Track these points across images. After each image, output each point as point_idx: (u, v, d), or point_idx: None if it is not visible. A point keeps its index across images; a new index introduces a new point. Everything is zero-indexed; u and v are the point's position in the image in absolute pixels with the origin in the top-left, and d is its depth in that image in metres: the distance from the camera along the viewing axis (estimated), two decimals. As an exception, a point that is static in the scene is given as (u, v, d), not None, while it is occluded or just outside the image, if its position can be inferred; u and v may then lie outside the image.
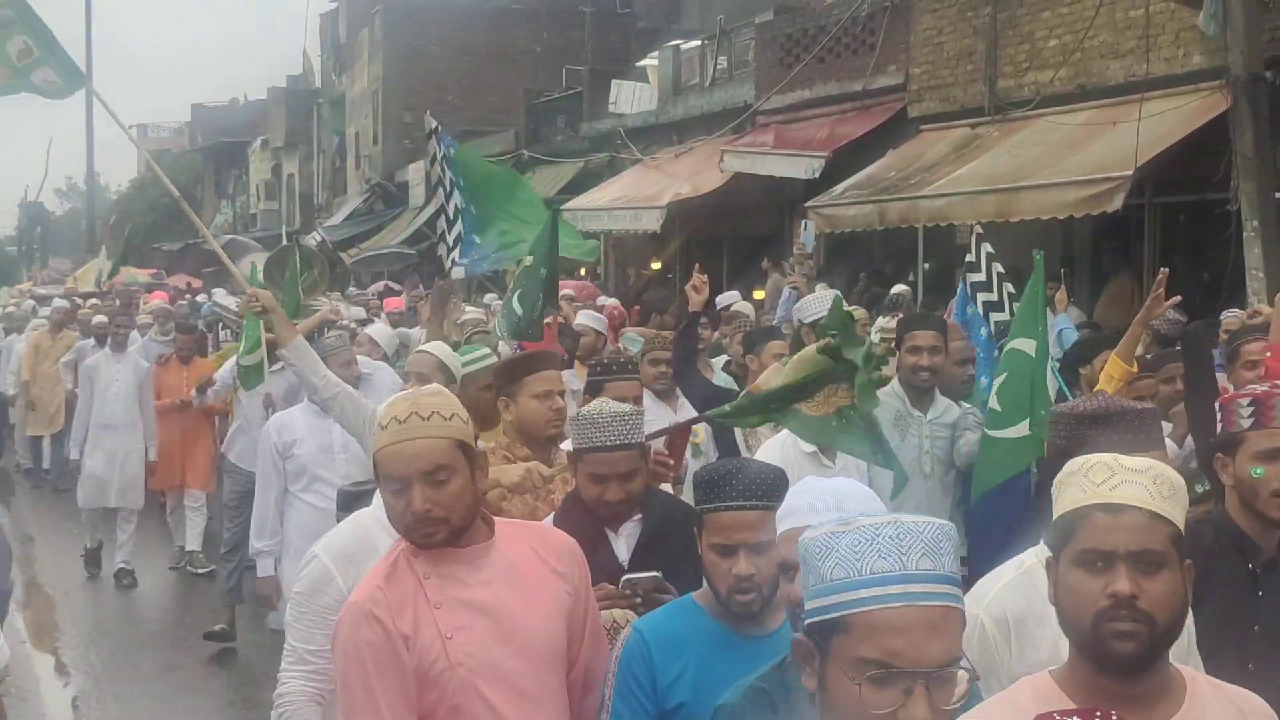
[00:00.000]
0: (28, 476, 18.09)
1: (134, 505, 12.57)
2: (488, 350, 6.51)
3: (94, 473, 12.45)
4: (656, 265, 22.86)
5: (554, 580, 3.51)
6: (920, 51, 16.89)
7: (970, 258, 7.97)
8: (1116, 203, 12.25)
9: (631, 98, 25.75)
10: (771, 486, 3.45)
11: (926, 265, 17.33)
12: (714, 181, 19.65)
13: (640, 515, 4.29)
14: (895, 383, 6.65)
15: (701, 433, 7.35)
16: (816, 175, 17.20)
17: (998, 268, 7.84)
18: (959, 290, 8.39)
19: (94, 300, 19.95)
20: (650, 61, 25.93)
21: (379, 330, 10.86)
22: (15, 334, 19.34)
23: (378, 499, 3.94)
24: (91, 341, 15.63)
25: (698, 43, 23.94)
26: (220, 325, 15.86)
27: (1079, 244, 15.51)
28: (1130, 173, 12.21)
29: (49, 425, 17.29)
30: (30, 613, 11.35)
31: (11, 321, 20.50)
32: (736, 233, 21.62)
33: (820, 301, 6.30)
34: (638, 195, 21.64)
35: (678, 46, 24.42)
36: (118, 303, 17.62)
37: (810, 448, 5.98)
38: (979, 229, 8.58)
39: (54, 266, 46.35)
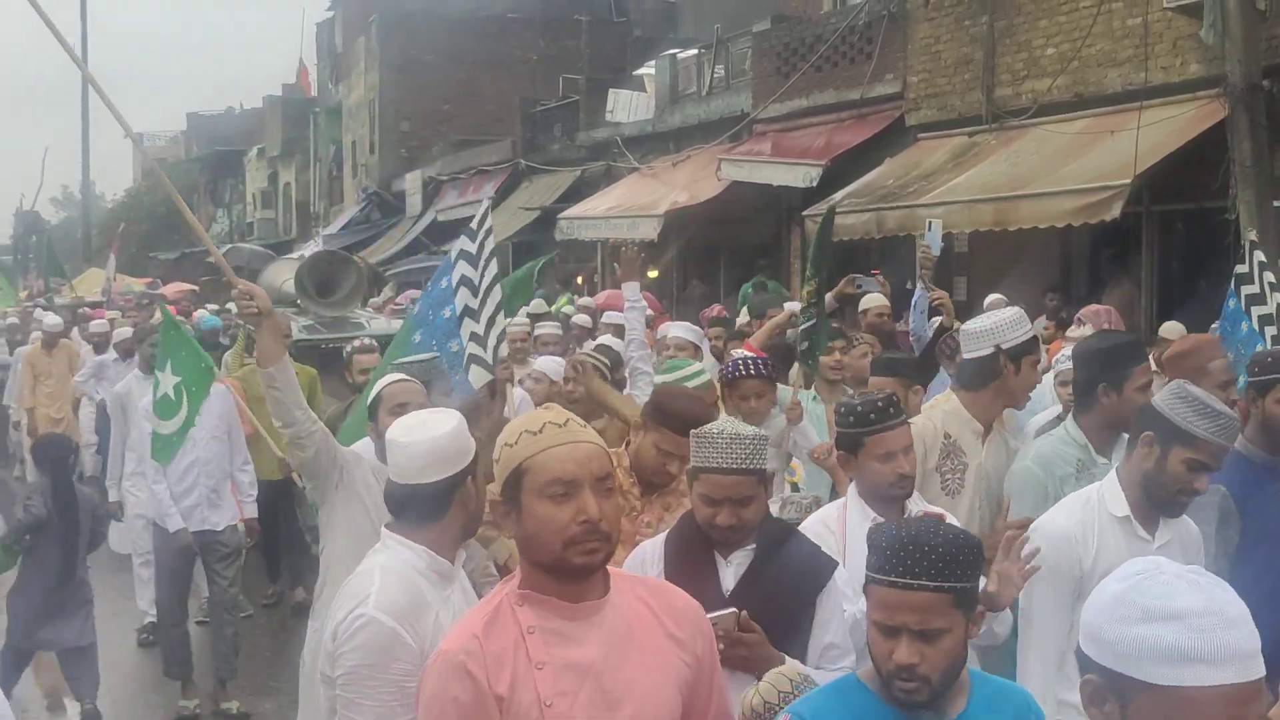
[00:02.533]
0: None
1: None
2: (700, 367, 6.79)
3: (137, 513, 10.56)
4: (653, 273, 22.84)
5: (671, 647, 3.10)
6: (917, 60, 16.90)
7: (1241, 268, 7.62)
8: (1115, 211, 12.24)
9: (628, 106, 25.77)
10: (964, 566, 2.88)
11: (924, 273, 17.30)
12: (711, 190, 19.65)
13: (754, 544, 4.03)
14: (1069, 426, 5.16)
15: (799, 470, 7.08)
16: (814, 184, 17.21)
17: (1269, 276, 7.53)
18: (1228, 305, 7.71)
19: (113, 313, 19.21)
20: (647, 70, 25.95)
21: (548, 363, 9.27)
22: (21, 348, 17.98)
23: (404, 547, 3.69)
24: (113, 356, 14.65)
25: (694, 52, 23.95)
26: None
27: (1077, 253, 15.51)
28: (1128, 181, 12.21)
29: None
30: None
31: (12, 334, 19.74)
32: (734, 241, 21.61)
33: (1019, 323, 5.27)
34: (635, 204, 21.64)
35: (674, 55, 24.44)
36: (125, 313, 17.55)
37: (1123, 511, 4.29)
38: (1253, 236, 8.45)
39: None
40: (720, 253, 22.60)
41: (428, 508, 3.66)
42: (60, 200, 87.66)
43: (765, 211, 19.91)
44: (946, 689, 2.89)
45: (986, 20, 15.61)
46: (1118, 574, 2.23)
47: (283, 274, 14.40)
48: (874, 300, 10.14)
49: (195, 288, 28.94)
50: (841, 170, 16.98)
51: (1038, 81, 14.94)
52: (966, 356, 5.46)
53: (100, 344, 15.77)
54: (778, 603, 3.92)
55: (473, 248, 7.26)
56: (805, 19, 20.19)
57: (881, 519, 4.27)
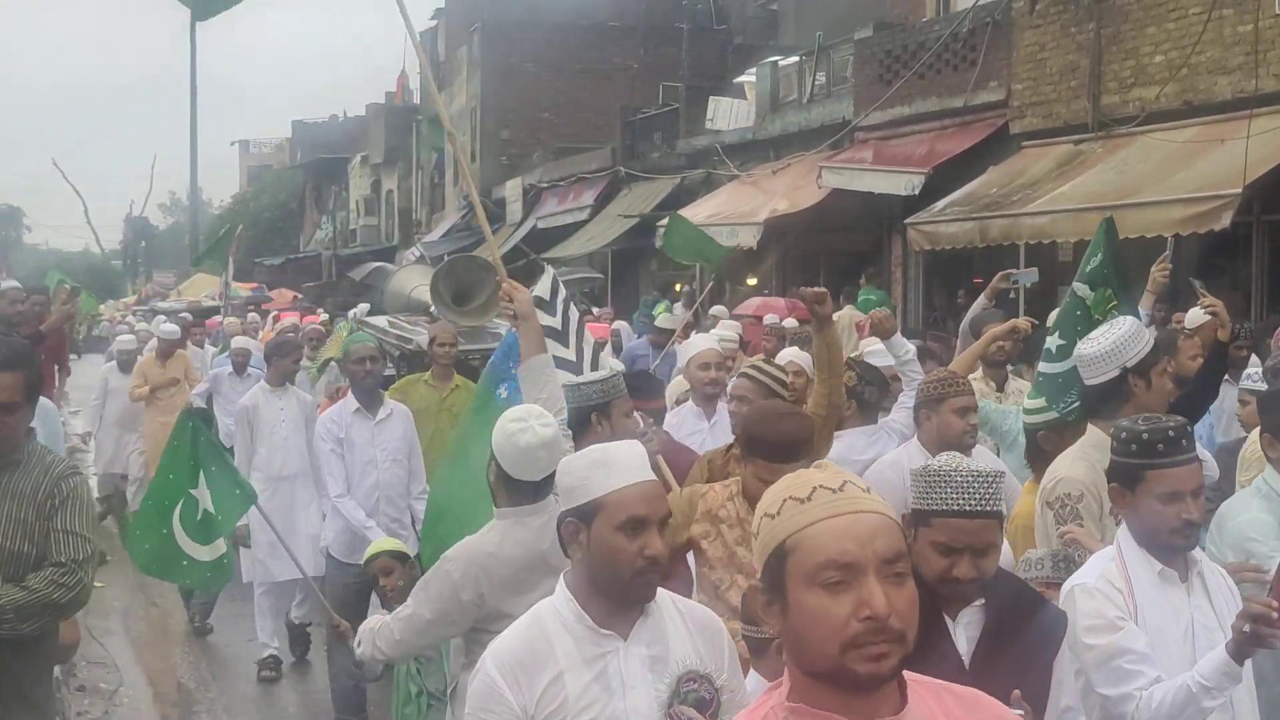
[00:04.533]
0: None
1: (318, 572, 9.31)
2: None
3: (263, 539, 9.55)
4: (752, 281, 22.84)
5: None
6: (1022, 67, 16.74)
7: None
8: (1224, 221, 12.07)
9: (728, 114, 25.78)
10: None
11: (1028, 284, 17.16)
12: (811, 198, 19.61)
13: (983, 600, 3.58)
14: (1270, 475, 4.90)
15: None
16: (916, 192, 17.11)
17: None
18: None
19: (231, 319, 18.40)
20: (748, 78, 25.94)
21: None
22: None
23: (560, 584, 3.41)
24: (228, 369, 13.66)
25: (796, 59, 23.90)
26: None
27: (1185, 262, 15.26)
28: (1239, 190, 12.02)
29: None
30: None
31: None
32: (833, 249, 21.55)
33: (1137, 336, 4.99)
34: (734, 211, 21.64)
35: (775, 63, 24.40)
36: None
37: None
38: None
39: (158, 280, 47.24)
40: (820, 261, 22.53)
41: (560, 542, 3.47)
42: (168, 206, 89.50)
43: (866, 220, 19.83)
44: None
45: (1093, 27, 15.43)
46: None
47: (412, 280, 13.58)
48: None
49: (299, 294, 29.43)
50: (944, 178, 16.87)
51: (1145, 89, 14.74)
52: (1091, 383, 5.15)
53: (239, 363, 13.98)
54: (1018, 669, 3.46)
55: (555, 321, 7.23)
56: (908, 25, 20.08)
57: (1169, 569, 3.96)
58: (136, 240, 61.28)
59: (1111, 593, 3.89)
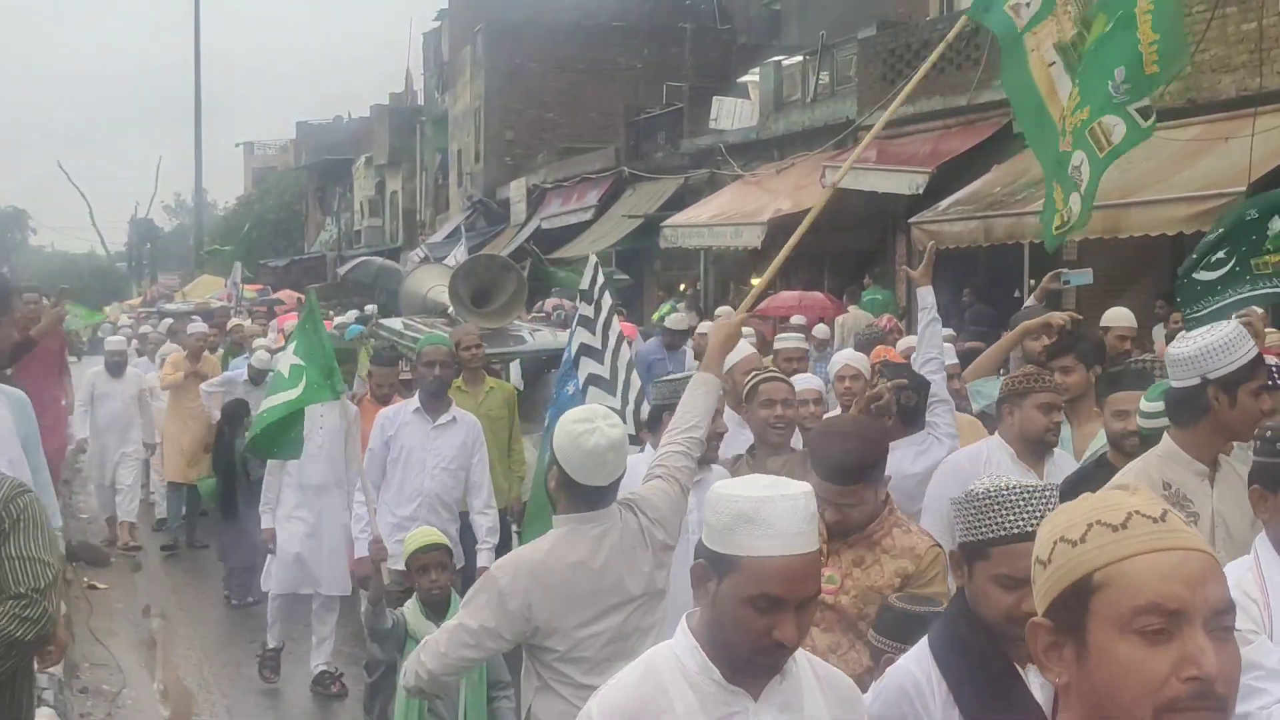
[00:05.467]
0: (162, 530, 14.96)
1: (339, 591, 9.43)
2: None
3: (290, 549, 9.30)
4: (755, 281, 22.82)
5: None
6: (1026, 66, 16.68)
7: None
8: (1229, 219, 12.02)
9: (732, 114, 25.77)
10: None
11: (1032, 281, 17.12)
12: (815, 197, 19.56)
13: None
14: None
15: None
16: (920, 191, 17.10)
17: None
18: None
19: (236, 320, 17.73)
20: (751, 77, 25.93)
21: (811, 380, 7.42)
22: (147, 358, 16.88)
23: (682, 628, 2.94)
24: (244, 374, 13.29)
25: (799, 58, 23.89)
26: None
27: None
28: (1243, 189, 11.98)
29: (191, 470, 14.10)
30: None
31: (144, 345, 18.12)
32: (838, 249, 21.51)
33: (1230, 347, 4.38)
34: (738, 211, 21.64)
35: (779, 62, 24.39)
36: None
37: None
38: None
39: (163, 281, 47.27)
40: (825, 260, 22.50)
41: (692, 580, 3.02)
42: (173, 208, 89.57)
43: (870, 219, 19.80)
44: None
45: (1097, 25, 15.39)
46: None
47: (427, 281, 12.97)
48: (1119, 317, 8.70)
49: (303, 295, 29.40)
50: (948, 177, 16.85)
51: (1149, 87, 14.70)
52: (1175, 385, 4.59)
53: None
54: None
55: (590, 310, 7.23)
56: (911, 24, 20.05)
57: None
58: (141, 242, 61.23)
59: (1246, 603, 3.49)
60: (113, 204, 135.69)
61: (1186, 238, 13.23)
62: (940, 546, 4.53)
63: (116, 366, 14.37)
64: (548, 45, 37.03)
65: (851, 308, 17.09)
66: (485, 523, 8.16)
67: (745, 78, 26.79)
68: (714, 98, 26.52)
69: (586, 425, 4.32)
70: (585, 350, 7.13)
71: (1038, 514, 3.07)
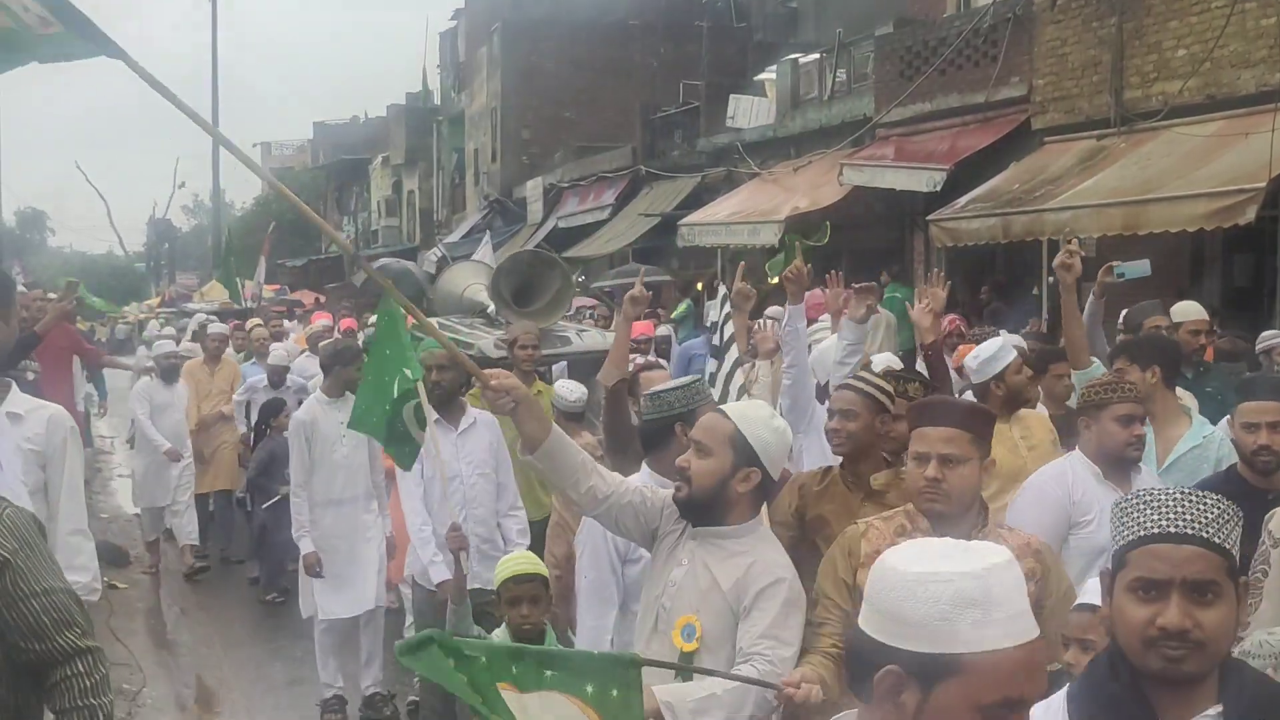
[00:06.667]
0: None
1: (380, 602, 9.00)
2: None
3: (332, 572, 8.81)
4: (774, 280, 22.79)
5: None
6: (1044, 63, 16.67)
7: None
8: (1249, 215, 11.97)
9: (749, 112, 25.73)
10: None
11: (1051, 279, 17.08)
12: (833, 195, 19.55)
13: (1220, 708, 2.63)
14: None
15: None
16: (938, 188, 17.05)
17: None
18: None
19: (255, 321, 16.77)
20: (768, 75, 25.89)
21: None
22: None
23: None
24: (263, 380, 13.03)
25: (816, 56, 23.84)
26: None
27: (1209, 257, 15.19)
28: (1263, 185, 11.94)
29: (217, 480, 13.82)
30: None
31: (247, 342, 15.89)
32: (855, 247, 21.47)
33: None
34: (755, 210, 21.60)
35: (795, 60, 24.35)
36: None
37: None
38: None
39: (181, 282, 47.38)
40: (842, 258, 22.46)
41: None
42: (191, 208, 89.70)
43: (888, 217, 19.76)
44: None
45: (1115, 22, 15.35)
46: None
47: (464, 278, 12.17)
48: (1189, 311, 8.47)
49: (321, 295, 29.42)
50: (966, 175, 16.81)
51: (1168, 83, 14.66)
52: None
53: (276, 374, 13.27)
54: None
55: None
56: (928, 22, 20.00)
57: None
58: (159, 242, 61.43)
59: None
60: (131, 205, 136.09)
61: (1206, 234, 13.18)
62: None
63: (171, 372, 13.24)
64: (564, 44, 37.03)
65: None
66: (515, 525, 7.74)
67: (762, 76, 26.75)
68: (731, 96, 26.48)
69: (771, 412, 4.33)
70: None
71: (1187, 516, 2.65)
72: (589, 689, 3.43)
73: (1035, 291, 16.99)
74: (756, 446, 4.19)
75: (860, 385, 5.42)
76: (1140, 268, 8.89)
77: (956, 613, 2.05)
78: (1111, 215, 13.61)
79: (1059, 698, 2.72)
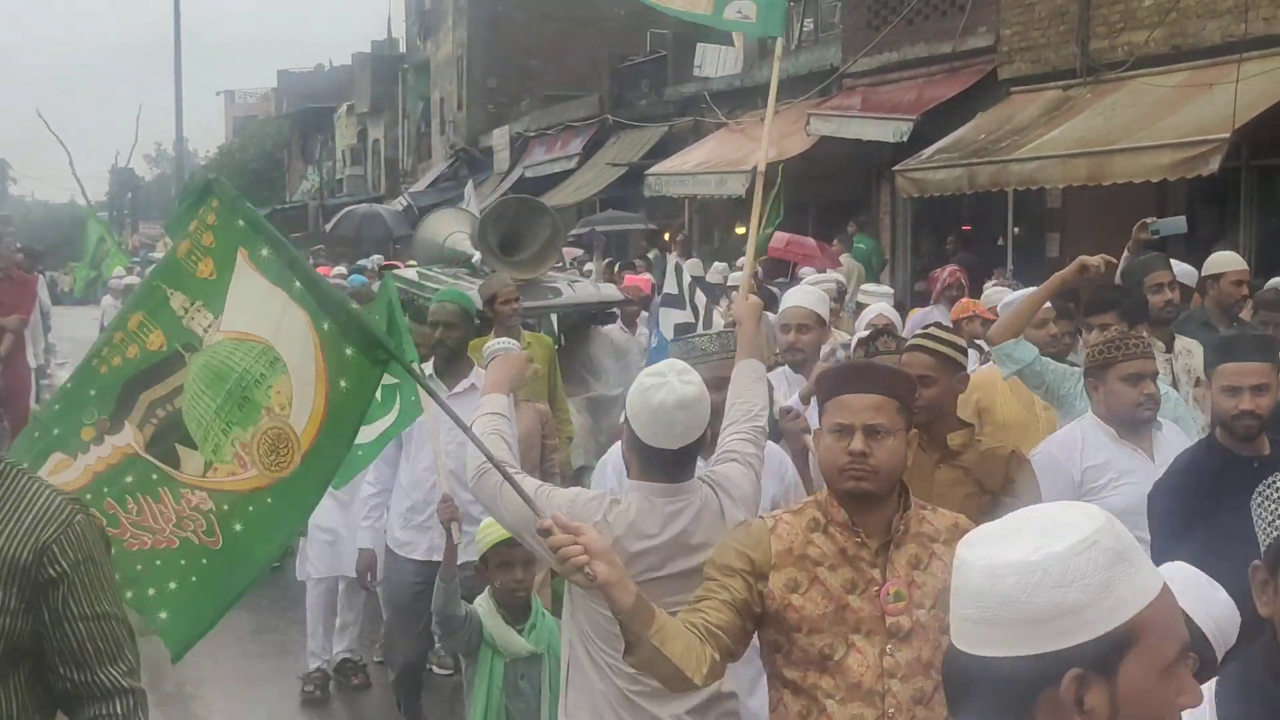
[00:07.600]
0: None
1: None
2: None
3: (325, 526, 8.25)
4: (740, 230, 22.79)
5: None
6: (1010, 12, 16.66)
7: None
8: (1213, 165, 12.03)
9: (716, 61, 25.64)
10: None
11: (1016, 229, 17.15)
12: (800, 145, 19.53)
13: None
14: None
15: None
16: (904, 139, 17.05)
17: None
18: None
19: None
20: (735, 24, 25.74)
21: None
22: None
23: None
24: None
25: (783, 5, 23.72)
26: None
27: (1173, 208, 15.25)
28: (1228, 135, 11.99)
29: None
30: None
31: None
32: (822, 197, 21.48)
33: None
34: (722, 160, 21.58)
35: (763, 9, 24.21)
36: None
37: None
38: None
39: (144, 231, 47.07)
40: (809, 209, 22.48)
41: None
42: (154, 157, 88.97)
43: (854, 167, 19.77)
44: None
45: (1082, -29, 15.34)
46: None
47: (445, 226, 11.42)
48: (1229, 261, 7.93)
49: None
50: (932, 125, 16.81)
51: (1134, 34, 14.68)
52: None
53: None
54: None
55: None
56: (896, -29, 19.94)
57: None
58: (122, 192, 61.02)
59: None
60: (93, 153, 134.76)
61: (1170, 185, 13.24)
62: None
63: None
64: (531, -8, 36.78)
65: (844, 256, 17.08)
66: None
67: (729, 24, 26.59)
68: (698, 45, 26.35)
69: (657, 379, 3.84)
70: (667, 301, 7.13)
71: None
72: (325, 326, 3.64)
73: (1000, 242, 17.06)
74: (627, 404, 3.97)
75: (933, 345, 4.98)
76: (1176, 224, 8.58)
77: (1113, 574, 1.81)
78: (1076, 165, 13.65)
79: (1205, 693, 2.36)
